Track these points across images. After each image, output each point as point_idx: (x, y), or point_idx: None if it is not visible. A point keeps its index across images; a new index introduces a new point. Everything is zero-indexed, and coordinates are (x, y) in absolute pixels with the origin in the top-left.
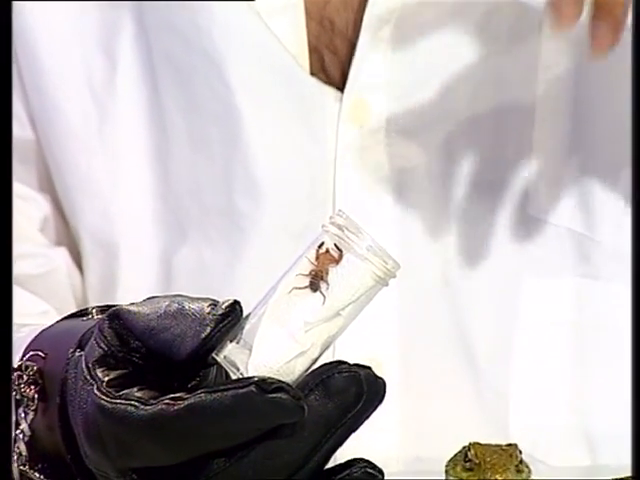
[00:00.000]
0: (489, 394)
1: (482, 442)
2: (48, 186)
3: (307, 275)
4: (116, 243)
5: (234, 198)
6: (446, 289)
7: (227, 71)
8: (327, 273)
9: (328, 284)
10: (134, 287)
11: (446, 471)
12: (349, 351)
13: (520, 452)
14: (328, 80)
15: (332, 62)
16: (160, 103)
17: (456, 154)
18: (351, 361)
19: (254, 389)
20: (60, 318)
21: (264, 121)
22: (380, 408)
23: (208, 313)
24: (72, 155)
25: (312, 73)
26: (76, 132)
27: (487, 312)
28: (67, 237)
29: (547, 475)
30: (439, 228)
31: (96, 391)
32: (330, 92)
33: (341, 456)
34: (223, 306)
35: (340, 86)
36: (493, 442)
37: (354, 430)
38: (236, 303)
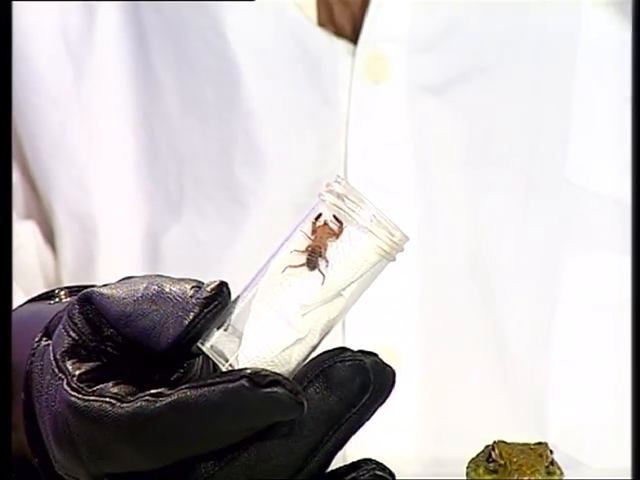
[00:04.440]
0: (523, 390)
1: (508, 440)
2: (17, 152)
3: (303, 251)
4: (93, 217)
5: (232, 168)
6: (475, 269)
7: (223, 22)
8: (326, 249)
9: (327, 261)
10: (114, 268)
11: (467, 473)
12: (361, 340)
13: (551, 452)
14: (338, 33)
15: (342, 13)
16: (146, 58)
17: (486, 114)
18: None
19: (246, 383)
20: (24, 301)
21: (266, 79)
22: (396, 404)
23: (191, 296)
24: (44, 115)
25: (320, 24)
26: (48, 89)
27: (522, 295)
28: (37, 209)
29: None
30: (467, 199)
31: (66, 386)
32: (341, 45)
33: (351, 457)
34: (208, 288)
35: (352, 39)
36: (531, 443)
37: (360, 426)
38: (223, 285)
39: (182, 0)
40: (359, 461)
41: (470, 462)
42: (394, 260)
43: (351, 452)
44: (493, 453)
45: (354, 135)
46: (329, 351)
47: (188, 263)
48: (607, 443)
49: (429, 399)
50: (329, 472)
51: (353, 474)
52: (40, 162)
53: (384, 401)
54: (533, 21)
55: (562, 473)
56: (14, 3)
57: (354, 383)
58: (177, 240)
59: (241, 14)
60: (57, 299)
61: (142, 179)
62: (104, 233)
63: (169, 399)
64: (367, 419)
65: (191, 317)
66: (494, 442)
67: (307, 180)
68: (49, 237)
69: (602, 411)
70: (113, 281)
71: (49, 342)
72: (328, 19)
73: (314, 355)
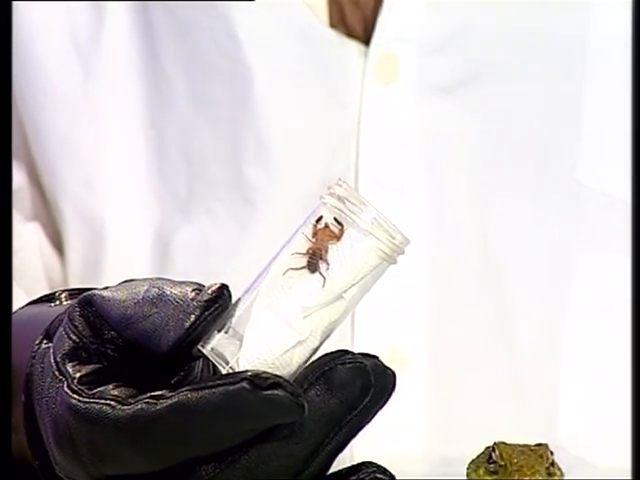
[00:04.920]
0: (533, 391)
1: (512, 441)
2: (24, 153)
3: (304, 254)
4: (102, 219)
5: (243, 168)
6: (484, 269)
7: (234, 22)
8: (326, 251)
9: (328, 264)
10: (122, 269)
11: (467, 474)
12: (369, 340)
13: (552, 453)
14: (350, 34)
15: (354, 14)
16: (155, 58)
17: (497, 114)
18: (372, 352)
19: (246, 385)
20: (24, 304)
21: (277, 79)
22: (404, 404)
23: (192, 299)
24: (51, 115)
25: (331, 26)
26: (56, 89)
27: (532, 296)
28: (44, 211)
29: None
30: (477, 200)
31: (66, 389)
32: (353, 46)
33: (359, 456)
34: (209, 291)
35: (364, 40)
36: (532, 444)
37: (361, 429)
38: (223, 287)
39: (192, 0)
40: (360, 464)
41: (470, 463)
42: (395, 263)
43: (358, 451)
44: (493, 454)
45: (365, 136)
46: (330, 353)
47: (198, 264)
48: (616, 444)
49: (437, 399)
50: (330, 474)
51: (353, 477)
52: (47, 162)
53: (385, 404)
54: (544, 22)
55: (562, 474)
56: (22, 3)
57: (355, 385)
58: (186, 241)
59: (252, 15)
60: (58, 302)
61: (151, 180)
62: (112, 234)
63: (170, 401)
64: (368, 422)
65: (192, 320)
66: (494, 443)
67: (318, 181)
68: (55, 240)
69: (611, 412)
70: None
71: (50, 345)
72: (339, 20)
73: (315, 357)
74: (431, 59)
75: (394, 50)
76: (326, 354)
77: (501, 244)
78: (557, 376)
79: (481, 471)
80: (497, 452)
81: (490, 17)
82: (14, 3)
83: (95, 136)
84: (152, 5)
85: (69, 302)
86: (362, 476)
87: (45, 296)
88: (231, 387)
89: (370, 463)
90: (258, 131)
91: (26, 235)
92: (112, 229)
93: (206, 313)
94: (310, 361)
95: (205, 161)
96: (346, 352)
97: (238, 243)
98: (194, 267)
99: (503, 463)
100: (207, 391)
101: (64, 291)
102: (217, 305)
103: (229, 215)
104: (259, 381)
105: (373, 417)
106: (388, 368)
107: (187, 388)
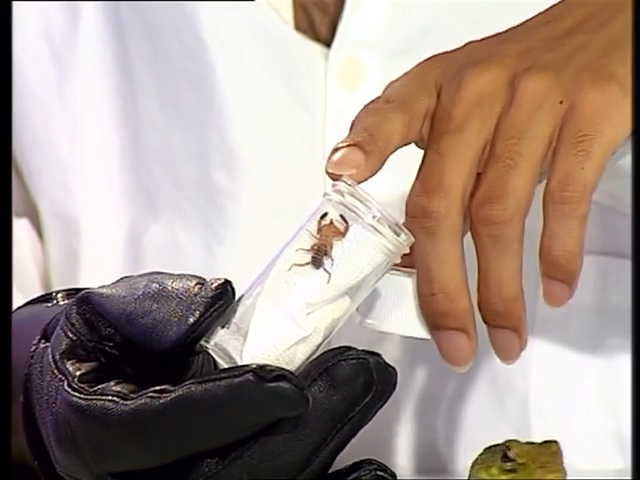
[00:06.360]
0: (506, 392)
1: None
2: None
3: (309, 250)
4: (76, 218)
5: (210, 170)
6: None
7: (199, 23)
8: (331, 247)
9: (333, 260)
10: (98, 269)
11: (473, 473)
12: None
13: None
14: (317, 38)
15: (322, 19)
16: (128, 59)
17: None
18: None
19: (252, 377)
20: (22, 304)
21: (242, 81)
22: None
23: (196, 294)
24: (28, 115)
25: (298, 29)
26: (32, 90)
27: None
28: (28, 207)
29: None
30: None
31: (67, 387)
32: (317, 48)
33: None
34: (213, 286)
35: (329, 44)
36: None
37: (362, 427)
38: (227, 283)
39: (160, 0)
40: (361, 461)
41: (475, 463)
42: (398, 261)
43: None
44: (509, 453)
45: (332, 139)
46: (333, 349)
47: (169, 264)
48: (587, 444)
49: (413, 402)
50: (331, 473)
51: (355, 475)
52: (26, 162)
53: (386, 401)
54: (510, 23)
55: (566, 473)
56: None
57: (357, 382)
58: (158, 241)
59: (217, 16)
60: (55, 302)
61: (124, 180)
62: (87, 234)
63: (173, 395)
64: (369, 419)
65: (197, 316)
66: (507, 441)
67: (284, 184)
68: (41, 235)
69: (582, 411)
70: (96, 281)
71: (47, 344)
72: (308, 24)
73: (318, 353)
74: (396, 63)
75: (358, 54)
76: (329, 350)
77: (470, 250)
78: (528, 377)
79: (494, 470)
80: (514, 451)
81: (455, 19)
82: None
83: (70, 137)
84: (123, 5)
85: (66, 302)
86: (363, 473)
87: (42, 296)
88: (236, 379)
89: (371, 460)
90: (223, 132)
91: (18, 231)
92: (87, 229)
93: (211, 310)
94: (313, 357)
95: (175, 162)
96: (349, 348)
97: (207, 244)
98: (165, 268)
99: (523, 461)
100: (211, 384)
101: (60, 291)
102: (222, 301)
103: (198, 217)
104: (264, 373)
105: (374, 415)
106: (390, 365)
107: (191, 381)
